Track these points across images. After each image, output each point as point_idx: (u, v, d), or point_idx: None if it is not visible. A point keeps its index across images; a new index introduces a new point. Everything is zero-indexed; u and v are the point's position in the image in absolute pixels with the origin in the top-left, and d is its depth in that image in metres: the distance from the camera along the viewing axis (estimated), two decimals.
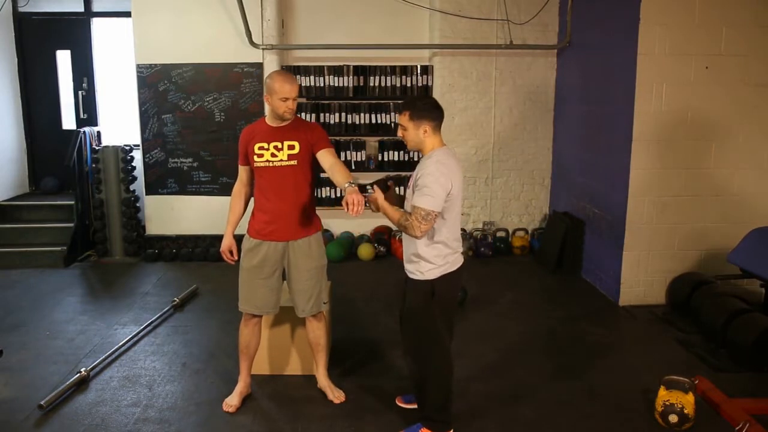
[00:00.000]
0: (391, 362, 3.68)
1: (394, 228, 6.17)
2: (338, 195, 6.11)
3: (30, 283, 5.21)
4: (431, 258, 2.66)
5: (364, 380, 3.44)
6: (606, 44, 4.96)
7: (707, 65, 4.38)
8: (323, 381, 3.28)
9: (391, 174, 6.06)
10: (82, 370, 3.46)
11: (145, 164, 6.09)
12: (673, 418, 2.91)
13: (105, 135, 6.46)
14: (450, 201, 2.61)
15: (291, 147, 2.95)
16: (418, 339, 2.76)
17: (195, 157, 6.09)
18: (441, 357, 2.77)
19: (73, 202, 5.97)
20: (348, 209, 2.46)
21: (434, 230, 2.63)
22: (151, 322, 4.26)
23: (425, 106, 2.66)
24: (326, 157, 2.92)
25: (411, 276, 2.73)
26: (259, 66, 5.91)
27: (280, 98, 2.88)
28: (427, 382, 2.77)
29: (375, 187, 2.68)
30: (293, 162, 2.96)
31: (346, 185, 2.61)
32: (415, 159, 5.94)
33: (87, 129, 6.10)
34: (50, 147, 6.60)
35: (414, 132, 2.65)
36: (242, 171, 3.12)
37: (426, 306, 2.69)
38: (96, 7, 6.54)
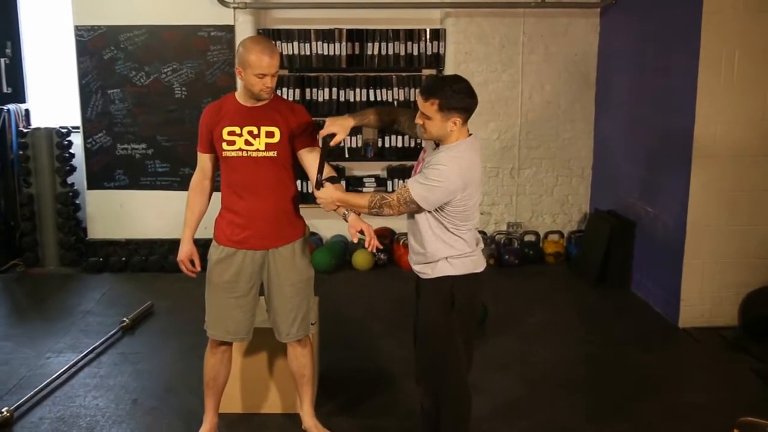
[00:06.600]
0: (394, 397, 3.68)
1: (398, 231, 6.14)
2: None
3: None
4: (446, 249, 2.66)
5: (361, 420, 3.45)
6: (664, 0, 4.94)
7: None
8: (309, 421, 3.28)
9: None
10: (4, 410, 3.43)
11: (87, 151, 6.07)
12: None
13: (35, 114, 6.44)
14: (465, 197, 2.62)
15: (270, 134, 2.93)
16: (432, 361, 2.76)
17: (150, 143, 6.07)
18: (457, 385, 2.77)
19: None
20: (366, 242, 2.64)
21: (446, 220, 2.64)
22: (94, 349, 4.26)
23: (459, 95, 2.58)
24: (311, 162, 2.90)
25: (423, 276, 2.73)
26: (230, 29, 5.90)
27: (255, 74, 2.84)
28: (441, 416, 2.75)
29: (327, 184, 2.74)
30: (272, 153, 2.94)
31: (345, 212, 2.74)
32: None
33: (12, 106, 6.08)
34: None
35: (441, 124, 2.59)
36: (204, 159, 3.09)
37: (444, 316, 2.69)
38: None
